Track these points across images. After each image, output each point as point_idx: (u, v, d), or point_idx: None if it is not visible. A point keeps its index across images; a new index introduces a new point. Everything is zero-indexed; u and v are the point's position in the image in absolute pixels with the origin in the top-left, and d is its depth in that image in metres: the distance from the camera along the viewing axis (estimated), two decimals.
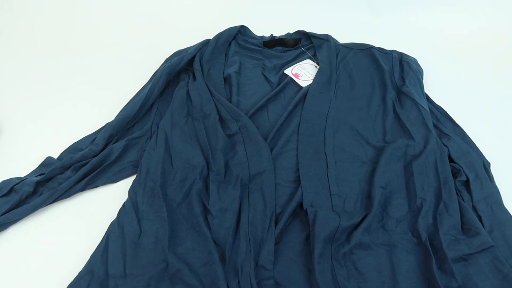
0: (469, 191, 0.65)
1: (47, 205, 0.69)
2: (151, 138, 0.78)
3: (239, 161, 0.70)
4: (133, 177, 0.73)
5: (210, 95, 0.80)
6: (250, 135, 0.72)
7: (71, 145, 0.78)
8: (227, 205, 0.64)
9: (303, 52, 0.95)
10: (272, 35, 0.98)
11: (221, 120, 0.77)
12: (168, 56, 0.96)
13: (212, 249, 0.58)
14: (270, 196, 0.64)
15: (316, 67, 0.90)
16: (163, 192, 0.66)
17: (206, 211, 0.64)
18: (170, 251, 0.58)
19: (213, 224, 0.62)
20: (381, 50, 0.91)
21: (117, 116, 0.81)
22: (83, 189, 0.71)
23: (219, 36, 0.94)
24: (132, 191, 0.68)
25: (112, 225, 0.63)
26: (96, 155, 0.74)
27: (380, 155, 0.70)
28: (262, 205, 0.63)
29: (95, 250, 0.60)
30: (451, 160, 0.70)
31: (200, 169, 0.69)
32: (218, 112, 0.78)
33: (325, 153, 0.70)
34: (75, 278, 0.57)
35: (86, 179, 0.71)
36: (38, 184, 0.70)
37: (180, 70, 0.88)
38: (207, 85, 0.83)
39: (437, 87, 0.91)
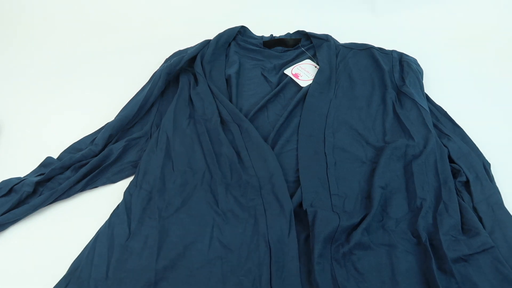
0: (469, 192, 0.65)
1: (47, 205, 0.69)
2: (151, 138, 0.78)
3: (244, 166, 0.69)
4: (132, 178, 0.73)
5: (212, 97, 0.80)
6: (251, 139, 0.72)
7: (71, 145, 0.79)
8: (238, 211, 0.63)
9: (303, 52, 0.95)
10: (272, 35, 0.98)
11: (222, 122, 0.77)
12: (167, 57, 0.97)
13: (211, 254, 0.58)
14: (285, 196, 0.63)
15: (316, 67, 0.90)
16: (160, 197, 0.66)
17: (212, 215, 0.64)
18: (159, 258, 0.57)
19: (224, 229, 0.62)
20: (381, 50, 0.91)
21: (117, 116, 0.82)
22: (83, 189, 0.71)
23: (219, 36, 0.94)
24: (127, 192, 0.67)
25: (103, 226, 0.63)
26: (96, 155, 0.74)
27: (380, 155, 0.70)
28: (278, 208, 0.62)
29: (82, 250, 0.60)
30: (451, 161, 0.70)
31: (202, 173, 0.69)
32: (220, 113, 0.77)
33: (325, 153, 0.70)
34: (60, 279, 0.57)
35: (86, 179, 0.71)
36: (38, 184, 0.70)
37: (180, 70, 0.88)
38: (209, 87, 0.82)
39: (437, 87, 0.91)
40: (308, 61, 0.92)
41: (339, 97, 0.81)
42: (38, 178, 0.70)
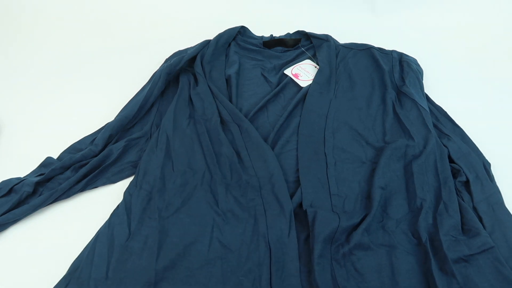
0: (469, 192, 0.65)
1: (47, 205, 0.69)
2: (151, 138, 0.78)
3: (244, 166, 0.69)
4: (132, 178, 0.73)
5: (212, 98, 0.80)
6: (251, 139, 0.72)
7: (71, 145, 0.78)
8: (238, 212, 0.63)
9: (302, 52, 0.95)
10: (272, 35, 0.98)
11: (222, 122, 0.77)
12: (167, 57, 0.97)
13: (211, 255, 0.58)
14: (285, 197, 0.63)
15: (316, 67, 0.90)
16: (160, 197, 0.65)
17: (212, 216, 0.64)
18: (159, 258, 0.57)
19: (224, 229, 0.62)
20: (381, 50, 0.91)
21: (117, 116, 0.82)
22: (83, 189, 0.71)
23: (219, 37, 0.94)
24: (127, 193, 0.67)
25: (103, 226, 0.63)
26: (96, 156, 0.74)
27: (380, 155, 0.70)
28: (278, 208, 0.62)
29: (82, 250, 0.60)
30: (451, 161, 0.70)
31: (202, 173, 0.69)
32: (220, 114, 0.77)
33: (325, 153, 0.70)
34: (60, 279, 0.57)
35: (86, 179, 0.71)
36: (38, 184, 0.70)
37: (180, 70, 0.88)
38: (209, 87, 0.82)
39: (437, 87, 0.91)
40: (308, 61, 0.92)
41: (339, 97, 0.81)
42: (38, 178, 0.70)
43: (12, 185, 0.68)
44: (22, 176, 0.73)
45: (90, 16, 1.24)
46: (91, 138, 0.79)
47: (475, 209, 0.63)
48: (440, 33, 1.13)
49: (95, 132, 0.81)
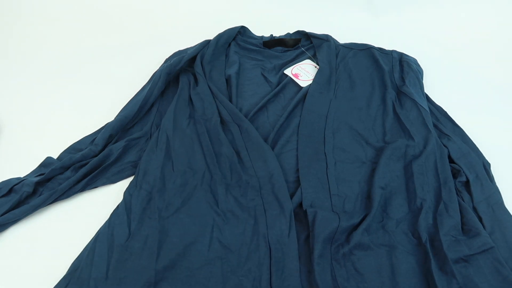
0: (469, 192, 0.65)
1: (47, 205, 0.69)
2: (151, 138, 0.78)
3: (244, 166, 0.69)
4: (132, 178, 0.73)
5: (212, 98, 0.80)
6: (251, 139, 0.72)
7: (70, 145, 0.78)
8: (238, 212, 0.64)
9: (302, 52, 0.95)
10: (272, 35, 0.98)
11: (222, 122, 0.77)
12: (167, 57, 0.97)
13: (211, 255, 0.58)
14: (285, 197, 0.64)
15: (316, 67, 0.90)
16: (160, 197, 0.65)
17: (212, 216, 0.64)
18: (159, 258, 0.57)
19: (224, 229, 0.62)
20: (381, 50, 0.91)
21: (117, 116, 0.81)
22: (83, 189, 0.71)
23: (219, 37, 0.94)
24: (127, 193, 0.67)
25: (103, 226, 0.63)
26: (96, 155, 0.74)
27: (380, 156, 0.70)
28: (278, 209, 0.63)
29: (82, 250, 0.60)
30: (451, 161, 0.70)
31: (202, 173, 0.69)
32: (220, 114, 0.77)
33: (325, 153, 0.70)
34: (60, 279, 0.57)
35: (86, 179, 0.71)
36: (38, 184, 0.70)
37: (180, 70, 0.88)
38: (209, 87, 0.82)
39: (437, 87, 0.91)
40: (308, 61, 0.92)
41: (339, 97, 0.81)
42: (38, 178, 0.70)
43: (12, 185, 0.68)
44: (22, 176, 0.73)
45: (90, 16, 1.24)
46: (91, 138, 0.79)
47: (475, 209, 0.63)
48: (440, 33, 1.13)
49: (95, 132, 0.81)
